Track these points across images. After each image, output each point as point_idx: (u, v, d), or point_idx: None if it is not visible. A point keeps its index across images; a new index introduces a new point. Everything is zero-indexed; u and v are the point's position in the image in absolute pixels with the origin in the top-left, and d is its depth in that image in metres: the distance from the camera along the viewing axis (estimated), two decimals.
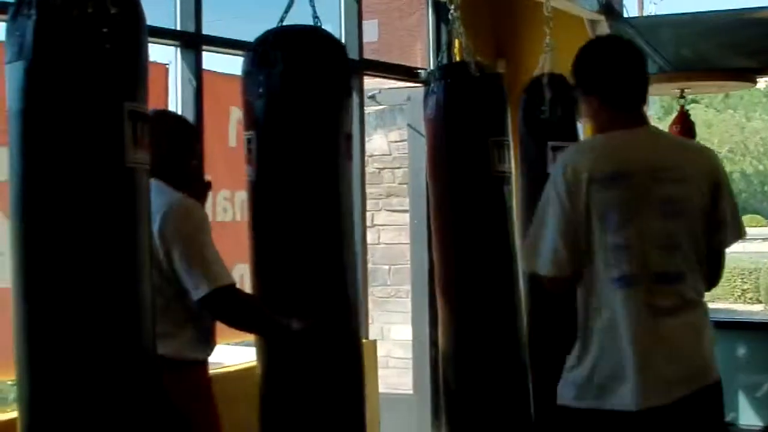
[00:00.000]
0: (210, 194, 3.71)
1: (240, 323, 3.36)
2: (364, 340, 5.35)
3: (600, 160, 2.91)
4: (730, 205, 3.01)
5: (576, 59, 3.11)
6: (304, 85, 3.47)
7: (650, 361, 2.84)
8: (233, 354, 4.61)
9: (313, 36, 3.57)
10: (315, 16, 3.62)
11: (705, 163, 3.02)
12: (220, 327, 3.36)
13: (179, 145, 3.32)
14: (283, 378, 3.52)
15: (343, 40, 5.44)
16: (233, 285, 3.19)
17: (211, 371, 3.45)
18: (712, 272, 3.04)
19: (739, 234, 3.04)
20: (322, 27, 3.62)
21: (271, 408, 3.53)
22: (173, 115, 3.80)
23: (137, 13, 2.54)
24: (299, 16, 3.61)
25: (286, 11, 3.61)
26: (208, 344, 3.34)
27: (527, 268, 3.03)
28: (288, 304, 3.45)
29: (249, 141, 3.54)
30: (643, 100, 3.08)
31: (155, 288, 3.01)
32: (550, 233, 2.90)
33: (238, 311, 3.25)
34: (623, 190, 2.87)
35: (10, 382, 4.00)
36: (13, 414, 3.54)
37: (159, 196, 3.12)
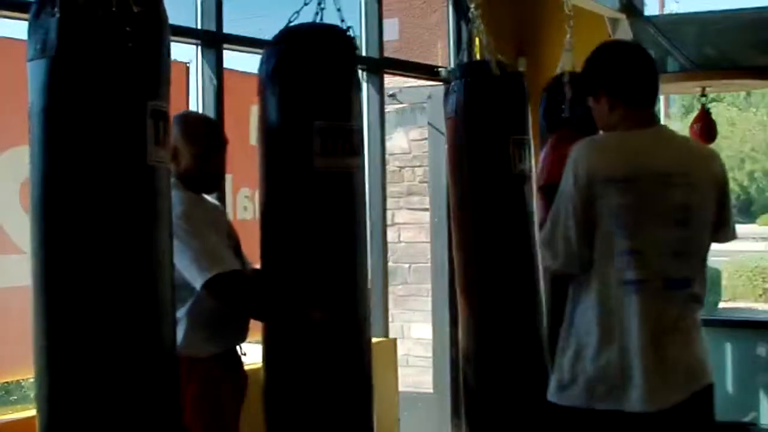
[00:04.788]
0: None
1: (242, 307, 3.37)
2: (384, 339, 5.38)
3: (615, 161, 2.91)
4: (731, 211, 3.09)
5: (588, 61, 3.13)
6: (301, 79, 3.45)
7: (658, 366, 2.87)
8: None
9: (312, 30, 3.54)
10: (320, 9, 3.61)
11: (714, 169, 3.04)
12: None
13: (179, 143, 3.36)
14: (286, 377, 3.53)
15: (363, 39, 5.46)
16: (233, 271, 3.22)
17: None
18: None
19: (733, 236, 3.14)
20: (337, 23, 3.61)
21: (276, 407, 3.55)
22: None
23: (160, 13, 2.56)
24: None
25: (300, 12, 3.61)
26: (213, 341, 3.33)
27: (542, 263, 3.06)
28: (298, 300, 3.44)
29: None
30: (655, 100, 3.10)
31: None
32: (561, 231, 2.91)
33: (238, 296, 3.28)
34: (637, 194, 2.87)
35: (22, 381, 4.04)
36: (22, 414, 3.60)
37: None
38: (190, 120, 3.55)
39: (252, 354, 3.65)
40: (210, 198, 3.55)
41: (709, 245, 3.03)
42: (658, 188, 2.89)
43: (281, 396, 3.53)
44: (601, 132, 3.12)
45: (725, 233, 3.08)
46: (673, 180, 2.91)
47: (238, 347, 3.49)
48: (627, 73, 3.03)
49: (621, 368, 2.88)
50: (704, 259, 3.03)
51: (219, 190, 3.50)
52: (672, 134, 3.13)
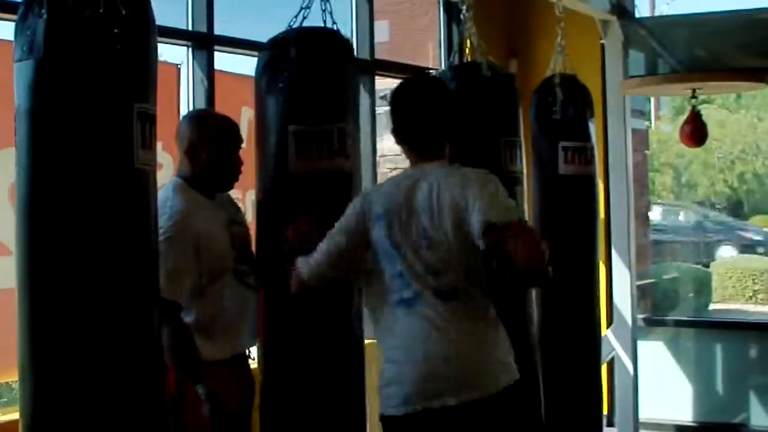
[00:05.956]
0: None
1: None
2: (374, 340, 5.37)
3: (379, 198, 3.07)
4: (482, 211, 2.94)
5: (390, 98, 3.23)
6: (280, 82, 3.50)
7: (433, 369, 2.96)
8: None
9: (311, 33, 3.60)
10: (324, 11, 3.62)
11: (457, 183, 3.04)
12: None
13: (183, 144, 3.37)
14: (282, 379, 3.53)
15: (354, 41, 5.46)
16: (175, 304, 3.12)
17: None
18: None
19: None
20: (332, 26, 3.62)
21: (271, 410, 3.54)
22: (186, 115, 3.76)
23: (148, 15, 2.55)
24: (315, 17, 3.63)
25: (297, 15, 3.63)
26: (218, 346, 3.30)
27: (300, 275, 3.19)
28: (292, 302, 3.44)
29: None
30: (439, 139, 3.15)
31: None
32: (324, 246, 3.10)
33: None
34: (388, 226, 3.01)
35: (11, 383, 4.02)
36: (12, 416, 3.59)
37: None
38: (207, 120, 3.56)
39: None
40: (225, 200, 3.53)
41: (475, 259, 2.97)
42: (403, 217, 3.02)
43: (275, 396, 3.53)
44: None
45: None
46: (415, 208, 3.01)
47: (246, 351, 3.49)
48: (408, 117, 3.14)
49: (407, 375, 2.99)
50: (472, 272, 3.00)
51: (232, 188, 3.50)
52: (449, 167, 3.15)
